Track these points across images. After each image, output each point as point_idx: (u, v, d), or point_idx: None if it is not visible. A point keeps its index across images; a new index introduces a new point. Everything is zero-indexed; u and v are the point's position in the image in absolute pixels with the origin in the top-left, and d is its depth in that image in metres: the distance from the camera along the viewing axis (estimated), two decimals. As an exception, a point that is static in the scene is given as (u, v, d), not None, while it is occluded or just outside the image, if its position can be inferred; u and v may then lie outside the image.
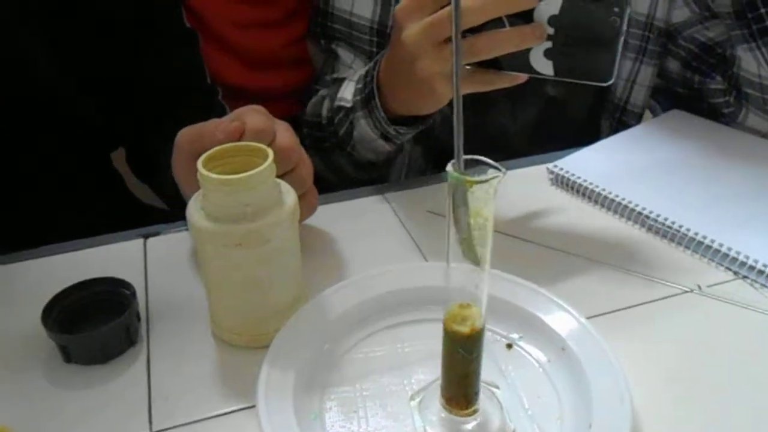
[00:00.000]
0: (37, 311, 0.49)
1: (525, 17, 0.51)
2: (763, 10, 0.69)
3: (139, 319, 0.52)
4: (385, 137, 0.67)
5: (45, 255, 0.61)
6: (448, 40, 0.54)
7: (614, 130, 0.82)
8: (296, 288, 0.51)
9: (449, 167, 0.35)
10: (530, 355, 0.49)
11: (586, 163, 0.70)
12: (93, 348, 0.49)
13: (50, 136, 0.72)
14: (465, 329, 0.39)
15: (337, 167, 0.77)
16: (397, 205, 0.68)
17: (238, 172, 0.44)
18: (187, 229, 0.63)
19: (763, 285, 0.55)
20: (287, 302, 0.50)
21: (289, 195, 0.48)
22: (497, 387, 0.46)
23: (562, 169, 0.69)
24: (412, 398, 0.45)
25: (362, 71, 0.68)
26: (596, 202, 0.66)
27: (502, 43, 0.52)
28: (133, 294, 0.51)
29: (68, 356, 0.49)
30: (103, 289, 0.52)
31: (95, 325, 0.48)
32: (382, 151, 0.70)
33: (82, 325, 0.49)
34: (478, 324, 0.39)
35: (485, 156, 0.36)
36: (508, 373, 0.47)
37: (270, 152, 0.46)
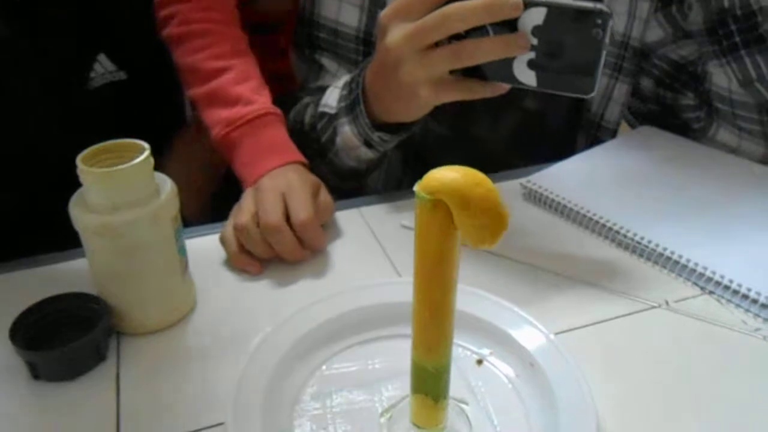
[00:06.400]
0: (5, 327, 0.48)
1: (509, 26, 0.52)
2: (733, 27, 0.70)
3: (109, 334, 0.51)
4: (368, 144, 0.67)
5: (14, 269, 0.60)
6: (433, 46, 0.54)
7: (590, 144, 0.84)
8: (168, 288, 0.54)
9: (416, 187, 0.35)
10: (499, 370, 0.49)
11: (557, 178, 0.71)
12: (61, 365, 0.48)
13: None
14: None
15: (318, 175, 0.77)
16: (371, 218, 0.68)
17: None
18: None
19: (728, 300, 0.56)
20: (158, 297, 0.53)
21: (160, 196, 0.50)
22: (466, 403, 0.46)
23: (534, 184, 0.70)
24: (382, 415, 0.46)
25: (347, 78, 0.68)
26: (568, 217, 0.67)
27: (486, 50, 0.52)
28: (103, 309, 0.51)
29: (36, 373, 0.48)
30: (72, 304, 0.51)
31: (64, 342, 0.48)
32: (364, 159, 0.70)
33: (50, 341, 0.49)
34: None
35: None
36: (477, 389, 0.47)
37: (145, 148, 0.49)
